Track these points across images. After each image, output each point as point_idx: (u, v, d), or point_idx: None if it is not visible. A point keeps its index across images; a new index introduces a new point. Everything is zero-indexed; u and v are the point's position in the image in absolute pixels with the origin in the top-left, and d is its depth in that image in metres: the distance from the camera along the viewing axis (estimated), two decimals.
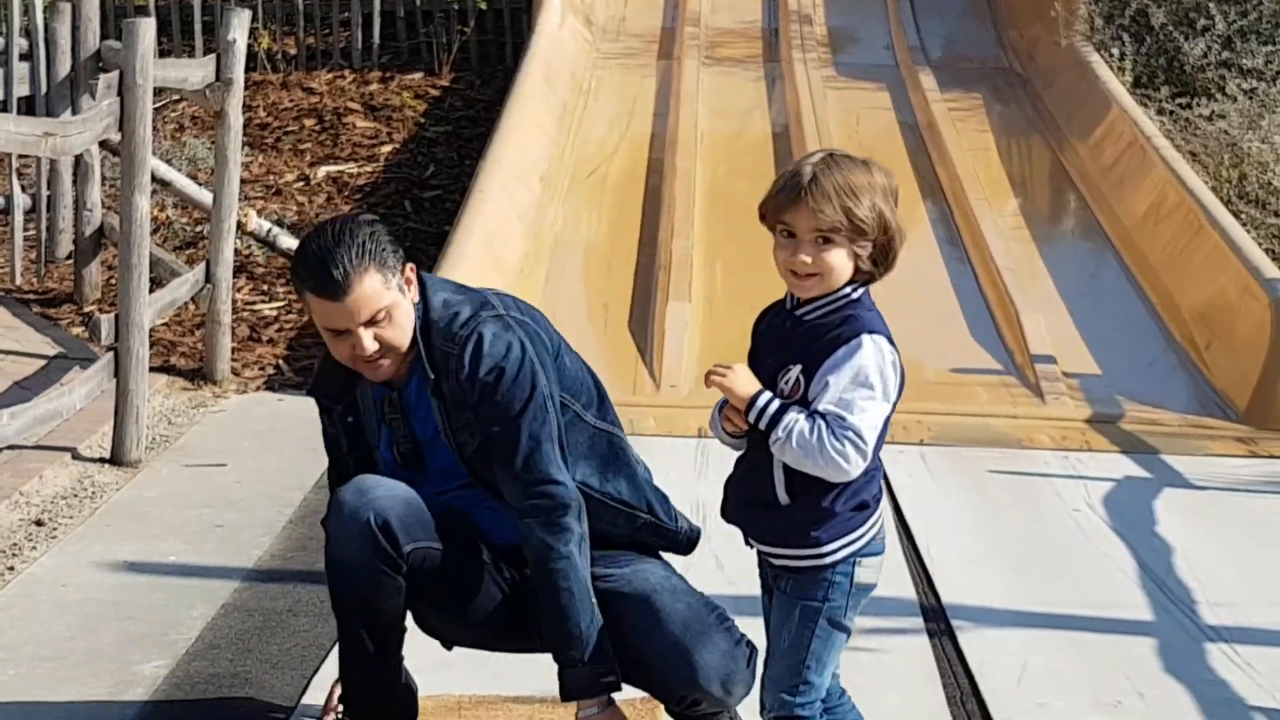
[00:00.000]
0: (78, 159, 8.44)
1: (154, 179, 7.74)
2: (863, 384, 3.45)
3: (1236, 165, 10.05)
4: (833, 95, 11.88)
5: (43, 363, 7.61)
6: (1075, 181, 10.53)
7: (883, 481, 3.65)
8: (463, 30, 12.87)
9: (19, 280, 8.78)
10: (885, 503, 3.67)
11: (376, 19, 12.77)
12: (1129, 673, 4.94)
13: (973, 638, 5.12)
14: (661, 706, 4.11)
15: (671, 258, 8.94)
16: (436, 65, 12.71)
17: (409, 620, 4.04)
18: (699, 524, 4.24)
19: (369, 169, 10.82)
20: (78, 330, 8.11)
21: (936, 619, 5.23)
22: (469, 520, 4.02)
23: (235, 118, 7.68)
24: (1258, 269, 8.20)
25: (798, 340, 3.53)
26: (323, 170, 10.76)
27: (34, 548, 5.72)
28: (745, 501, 3.61)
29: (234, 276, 7.99)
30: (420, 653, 4.21)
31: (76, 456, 6.58)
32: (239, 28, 7.57)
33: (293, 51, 12.80)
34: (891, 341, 3.51)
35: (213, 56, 7.61)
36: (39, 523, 5.95)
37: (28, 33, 8.54)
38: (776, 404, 3.47)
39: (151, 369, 7.03)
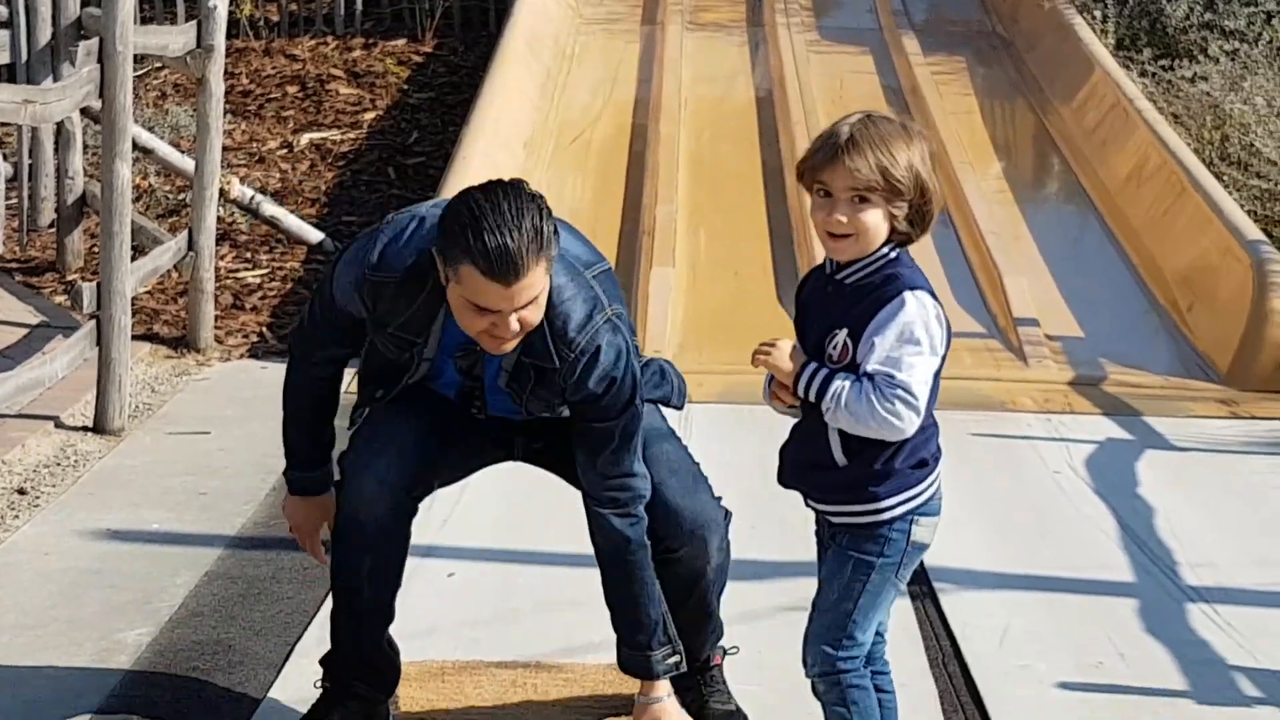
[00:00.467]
0: (59, 127, 8.41)
1: (136, 147, 7.71)
2: (909, 340, 3.48)
3: (1219, 127, 10.05)
4: (816, 60, 11.86)
5: (25, 331, 7.59)
6: (1058, 144, 10.53)
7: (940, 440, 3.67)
8: None
9: (1, 249, 8.76)
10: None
11: None
12: (1110, 634, 4.96)
13: (955, 600, 5.13)
14: None
15: (655, 223, 8.93)
16: (419, 31, 12.67)
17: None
18: None
19: (352, 136, 10.80)
20: (60, 299, 8.09)
21: (918, 581, 5.23)
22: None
23: (217, 85, 7.66)
24: (1240, 230, 8.21)
25: (841, 304, 3.56)
26: (306, 137, 10.73)
27: (16, 516, 5.72)
28: (803, 466, 3.65)
29: (217, 244, 7.97)
30: (404, 620, 4.22)
31: (59, 425, 6.57)
32: None
33: (275, 18, 12.76)
34: (934, 296, 3.54)
35: (194, 23, 7.58)
36: (21, 491, 5.94)
37: (7, 0, 8.51)
38: (823, 374, 3.50)
39: (134, 337, 7.02)
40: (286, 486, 4.22)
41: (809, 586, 5.18)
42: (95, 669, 4.55)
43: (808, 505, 3.72)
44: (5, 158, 8.92)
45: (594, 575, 4.04)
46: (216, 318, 7.85)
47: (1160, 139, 9.46)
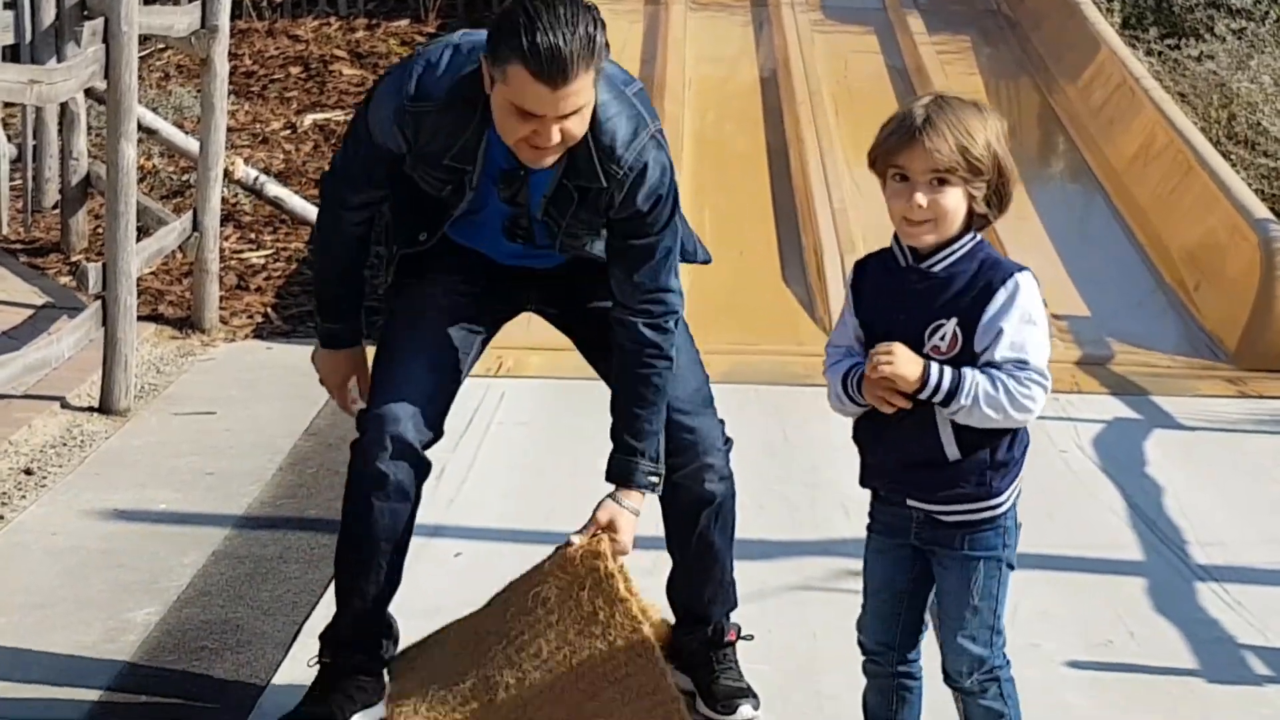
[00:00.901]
0: (63, 108, 8.40)
1: (140, 127, 7.70)
2: (1029, 322, 3.43)
3: (1225, 106, 10.03)
4: (820, 39, 11.84)
5: (30, 312, 7.59)
6: (1064, 123, 10.51)
7: None
8: None
9: (5, 230, 8.75)
10: None
11: None
12: (1120, 613, 4.95)
13: None
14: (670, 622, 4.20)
15: None
16: (423, 12, 12.65)
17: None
18: None
19: None
20: (65, 279, 8.08)
21: None
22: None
23: (221, 65, 7.64)
24: (1247, 209, 8.19)
25: (937, 294, 3.45)
26: (309, 118, 10.71)
27: (23, 496, 5.71)
28: (908, 464, 3.49)
29: (221, 225, 7.96)
30: (410, 599, 4.21)
31: (65, 405, 6.57)
32: None
33: None
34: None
35: (198, 3, 7.56)
36: (28, 471, 5.94)
37: None
38: (950, 371, 3.38)
39: (139, 318, 7.01)
40: (318, 339, 4.21)
41: (816, 567, 5.20)
42: (104, 648, 4.56)
43: (905, 505, 3.52)
44: (10, 138, 8.91)
45: None
46: (221, 298, 7.84)
47: (1167, 118, 9.43)
